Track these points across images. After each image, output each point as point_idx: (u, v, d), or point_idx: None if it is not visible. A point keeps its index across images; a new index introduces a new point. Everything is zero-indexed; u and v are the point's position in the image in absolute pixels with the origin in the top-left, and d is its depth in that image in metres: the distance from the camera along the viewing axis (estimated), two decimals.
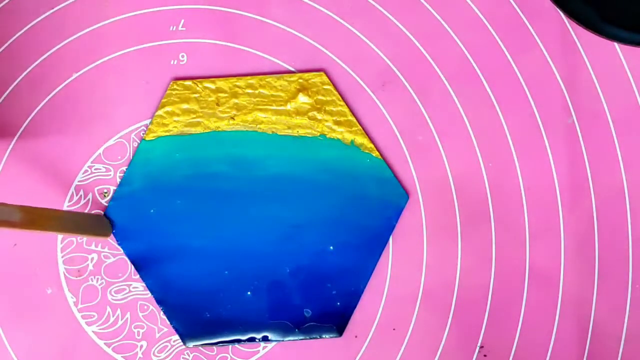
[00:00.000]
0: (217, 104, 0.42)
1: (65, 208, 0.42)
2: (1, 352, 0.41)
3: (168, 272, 0.41)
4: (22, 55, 0.42)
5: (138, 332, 0.42)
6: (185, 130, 0.42)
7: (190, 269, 0.41)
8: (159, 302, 0.41)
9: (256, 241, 0.41)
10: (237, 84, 0.42)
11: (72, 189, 0.42)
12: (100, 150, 0.42)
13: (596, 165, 0.42)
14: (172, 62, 0.42)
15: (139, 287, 0.42)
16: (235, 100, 0.42)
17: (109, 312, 0.42)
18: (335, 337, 0.41)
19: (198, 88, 0.42)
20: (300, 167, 0.42)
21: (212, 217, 0.41)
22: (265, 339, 0.41)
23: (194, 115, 0.42)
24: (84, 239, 0.41)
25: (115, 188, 0.42)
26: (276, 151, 0.42)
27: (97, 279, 0.42)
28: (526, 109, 0.42)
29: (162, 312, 0.41)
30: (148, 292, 0.41)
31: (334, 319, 0.41)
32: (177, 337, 0.41)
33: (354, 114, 0.42)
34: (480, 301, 0.42)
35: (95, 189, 0.42)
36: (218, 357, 0.42)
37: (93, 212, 0.41)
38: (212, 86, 0.42)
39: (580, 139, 0.42)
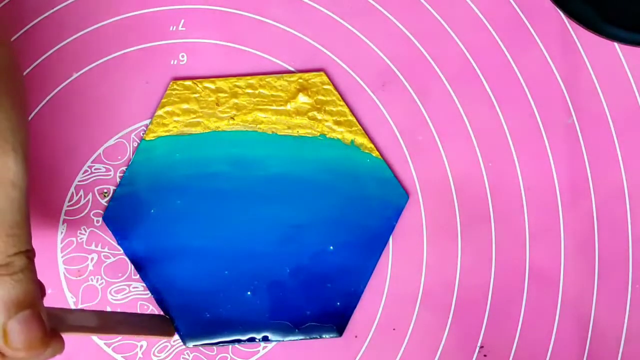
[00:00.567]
0: (217, 104, 0.42)
1: (65, 208, 0.42)
2: None
3: (168, 272, 0.41)
4: (22, 55, 0.42)
5: None
6: (185, 130, 0.42)
7: (190, 269, 0.41)
8: (159, 302, 0.41)
9: (256, 241, 0.41)
10: (237, 84, 0.42)
11: (72, 189, 0.42)
12: (100, 150, 0.42)
13: (596, 165, 0.42)
14: (172, 62, 0.42)
15: (139, 287, 0.42)
16: (235, 100, 0.42)
17: None
18: (335, 337, 0.41)
19: (198, 88, 0.42)
20: (300, 167, 0.42)
21: (212, 217, 0.41)
22: (265, 339, 0.41)
23: (194, 115, 0.42)
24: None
25: (115, 188, 0.42)
26: (276, 151, 0.42)
27: (97, 279, 0.42)
28: (526, 109, 0.42)
29: (162, 312, 0.41)
30: (148, 292, 0.41)
31: (334, 319, 0.41)
32: (177, 337, 0.41)
33: (354, 114, 0.42)
34: (480, 301, 0.42)
35: (95, 189, 0.42)
36: (218, 357, 0.42)
37: (157, 314, 0.41)
38: (212, 86, 0.42)
39: (580, 139, 0.42)
